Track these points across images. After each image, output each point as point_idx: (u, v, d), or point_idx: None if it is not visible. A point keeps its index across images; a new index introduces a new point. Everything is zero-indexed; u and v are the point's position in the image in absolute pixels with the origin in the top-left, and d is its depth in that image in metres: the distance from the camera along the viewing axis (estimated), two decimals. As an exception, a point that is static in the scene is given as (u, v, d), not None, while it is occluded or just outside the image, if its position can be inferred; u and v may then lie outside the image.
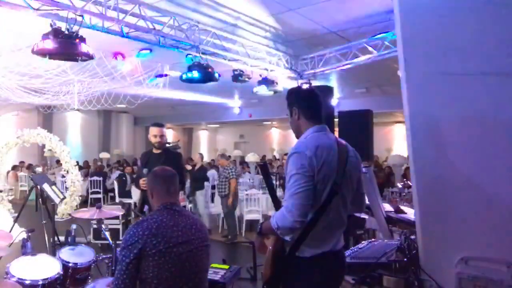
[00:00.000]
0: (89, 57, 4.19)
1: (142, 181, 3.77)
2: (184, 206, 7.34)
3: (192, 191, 7.99)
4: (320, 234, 1.96)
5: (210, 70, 5.78)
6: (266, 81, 7.36)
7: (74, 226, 3.62)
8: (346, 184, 2.03)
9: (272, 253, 2.04)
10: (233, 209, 7.26)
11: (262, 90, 7.58)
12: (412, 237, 2.62)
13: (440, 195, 2.35)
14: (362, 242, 3.17)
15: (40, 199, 4.66)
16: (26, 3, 3.85)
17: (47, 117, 14.34)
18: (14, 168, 12.93)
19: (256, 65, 6.80)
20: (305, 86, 7.44)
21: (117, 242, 3.03)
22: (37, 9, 3.92)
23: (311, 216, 1.91)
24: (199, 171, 8.30)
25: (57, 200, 4.17)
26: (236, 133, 22.51)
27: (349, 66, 6.88)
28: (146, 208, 3.81)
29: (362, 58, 6.57)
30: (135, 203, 8.88)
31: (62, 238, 4.20)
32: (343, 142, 2.12)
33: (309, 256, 1.96)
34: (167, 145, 4.19)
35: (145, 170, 3.80)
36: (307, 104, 2.11)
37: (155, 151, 4.04)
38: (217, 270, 3.13)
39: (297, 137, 2.14)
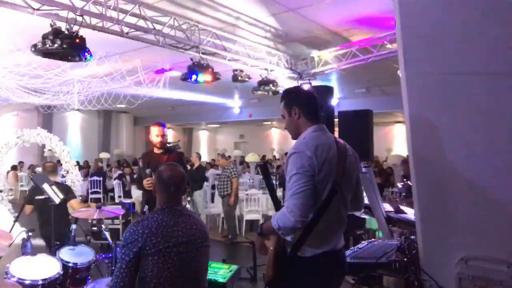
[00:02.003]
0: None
1: (146, 182, 3.76)
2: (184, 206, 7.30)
3: (190, 191, 7.98)
4: (321, 233, 1.95)
5: (210, 70, 5.78)
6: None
7: (74, 226, 3.62)
8: (346, 183, 2.03)
9: (274, 254, 2.03)
10: (234, 208, 7.26)
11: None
12: (412, 237, 2.62)
13: (440, 195, 2.35)
14: (362, 242, 3.16)
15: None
16: (26, 3, 3.85)
17: (47, 117, 14.35)
18: (14, 168, 12.93)
19: (256, 65, 6.80)
20: (306, 86, 7.47)
21: (117, 242, 3.03)
22: (37, 9, 3.92)
23: (312, 216, 1.90)
24: (197, 171, 8.30)
25: (57, 200, 4.15)
26: (236, 133, 22.53)
27: (349, 66, 6.89)
28: (146, 208, 3.81)
29: (362, 58, 6.57)
30: (133, 203, 8.87)
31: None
32: (342, 141, 2.12)
33: (310, 256, 1.95)
34: (168, 145, 4.19)
35: (148, 170, 3.79)
36: (308, 104, 2.10)
37: (156, 151, 4.03)
38: (217, 270, 3.14)
39: (294, 137, 2.12)
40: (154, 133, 3.97)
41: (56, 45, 3.91)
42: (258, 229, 2.13)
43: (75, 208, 4.61)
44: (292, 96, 2.15)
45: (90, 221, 3.74)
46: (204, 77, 5.79)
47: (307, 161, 1.87)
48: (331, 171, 1.93)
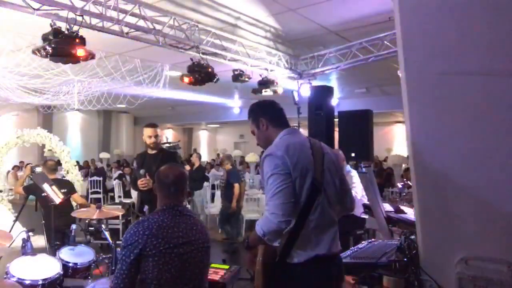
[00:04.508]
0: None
1: (140, 182, 3.78)
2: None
3: (190, 191, 7.98)
4: (310, 236, 1.90)
5: (210, 70, 5.77)
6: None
7: (74, 226, 3.62)
8: (328, 181, 2.00)
9: (262, 264, 1.97)
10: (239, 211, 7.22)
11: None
12: (412, 237, 2.62)
13: (440, 195, 2.35)
14: (362, 242, 3.16)
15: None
16: (26, 3, 3.85)
17: (47, 117, 14.34)
18: (17, 168, 12.94)
19: (256, 65, 6.79)
20: (306, 86, 7.46)
21: (117, 242, 3.03)
22: (37, 9, 3.92)
23: (296, 219, 1.86)
24: (197, 171, 8.29)
25: (57, 200, 4.16)
26: (236, 133, 22.51)
27: (349, 66, 6.88)
28: (146, 208, 3.82)
29: (362, 58, 6.57)
30: (133, 203, 8.87)
31: (62, 238, 4.21)
32: (317, 141, 2.14)
33: (302, 261, 1.89)
34: (167, 144, 4.22)
35: (142, 171, 3.82)
36: (272, 112, 2.16)
37: (150, 151, 4.07)
38: (217, 270, 3.14)
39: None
40: (147, 134, 4.03)
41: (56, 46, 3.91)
42: (245, 243, 2.08)
43: (78, 202, 4.82)
44: (256, 110, 2.20)
45: (87, 221, 3.76)
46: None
47: (280, 160, 1.88)
48: (308, 166, 1.93)
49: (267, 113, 2.15)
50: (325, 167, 2.00)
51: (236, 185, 6.83)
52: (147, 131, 4.03)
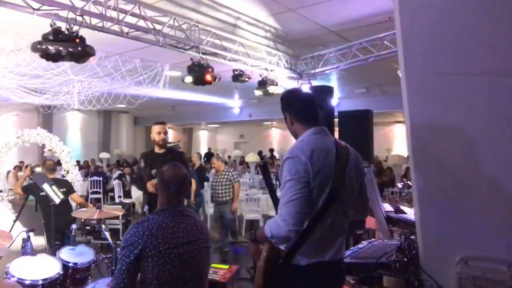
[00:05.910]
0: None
1: (149, 184, 3.74)
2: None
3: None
4: (318, 242, 1.87)
5: (210, 70, 5.77)
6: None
7: (74, 226, 3.62)
8: (346, 190, 1.94)
9: (265, 261, 1.96)
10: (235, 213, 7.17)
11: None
12: (412, 237, 2.62)
13: (440, 195, 2.35)
14: (362, 242, 3.16)
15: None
16: (26, 3, 3.85)
17: (47, 117, 14.34)
18: (16, 168, 12.94)
19: (256, 65, 6.79)
20: (305, 86, 7.46)
21: (117, 242, 3.04)
22: (37, 9, 3.92)
23: (308, 224, 1.83)
24: (197, 171, 8.28)
25: (57, 200, 4.16)
26: (236, 133, 22.54)
27: (349, 66, 6.88)
28: (146, 208, 3.81)
29: (362, 58, 6.57)
30: (133, 203, 8.87)
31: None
32: (343, 143, 2.03)
33: (305, 264, 1.87)
34: (168, 145, 4.21)
35: (153, 172, 3.78)
36: (296, 108, 2.03)
37: (157, 150, 4.03)
38: (217, 270, 3.14)
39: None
40: (157, 131, 3.99)
41: (56, 46, 3.90)
42: (252, 235, 2.07)
43: (77, 201, 4.84)
44: (283, 102, 2.09)
45: (82, 220, 3.76)
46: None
47: (302, 166, 1.80)
48: (328, 176, 1.86)
49: (290, 108, 2.03)
50: (346, 176, 1.92)
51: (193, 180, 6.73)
52: (157, 128, 4.00)
